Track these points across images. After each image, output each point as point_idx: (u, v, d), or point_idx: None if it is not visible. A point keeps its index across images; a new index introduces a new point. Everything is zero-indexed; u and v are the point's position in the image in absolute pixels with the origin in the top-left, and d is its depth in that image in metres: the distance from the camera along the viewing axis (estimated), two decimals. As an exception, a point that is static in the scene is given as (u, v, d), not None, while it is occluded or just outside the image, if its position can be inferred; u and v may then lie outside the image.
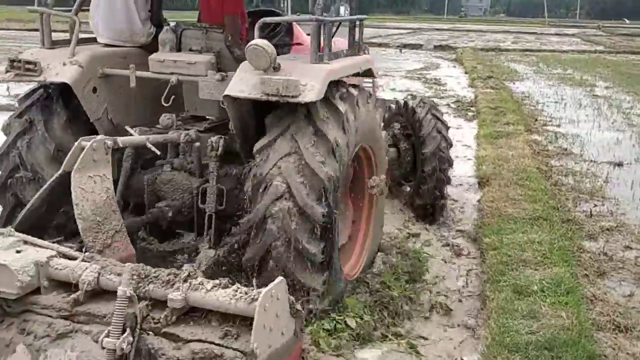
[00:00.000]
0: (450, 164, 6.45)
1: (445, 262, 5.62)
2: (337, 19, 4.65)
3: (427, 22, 58.64)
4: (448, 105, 14.10)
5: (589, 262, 5.54)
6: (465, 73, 20.48)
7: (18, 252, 3.24)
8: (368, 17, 4.90)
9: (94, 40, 5.01)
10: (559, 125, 11.80)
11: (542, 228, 6.01)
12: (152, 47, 4.95)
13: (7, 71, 4.56)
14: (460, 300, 4.95)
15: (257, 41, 3.93)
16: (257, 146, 4.03)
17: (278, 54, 4.08)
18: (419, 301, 4.79)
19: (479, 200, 7.15)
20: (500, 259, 5.28)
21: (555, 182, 7.93)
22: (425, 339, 4.35)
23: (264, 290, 2.75)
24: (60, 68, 4.48)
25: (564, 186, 7.81)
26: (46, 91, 4.62)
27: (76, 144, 3.77)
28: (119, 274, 3.02)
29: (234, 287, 2.90)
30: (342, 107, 4.11)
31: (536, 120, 12.16)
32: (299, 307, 2.97)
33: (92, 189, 3.71)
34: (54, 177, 3.85)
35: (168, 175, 4.61)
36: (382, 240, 5.42)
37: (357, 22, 4.77)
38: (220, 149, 4.43)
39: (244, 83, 3.95)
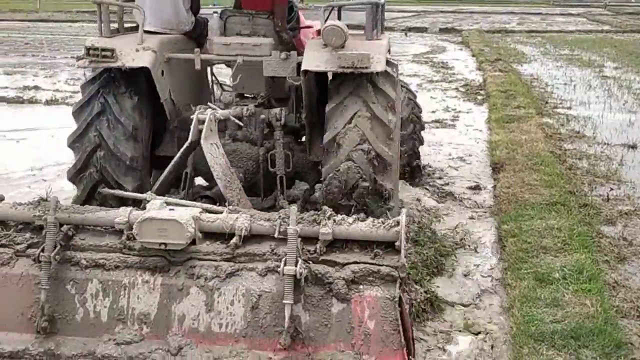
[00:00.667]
0: (422, 127, 7.18)
1: (464, 249, 5.57)
2: (384, 1, 5.24)
3: (431, 5, 58.06)
4: (457, 89, 14.03)
5: (608, 248, 5.49)
6: (473, 56, 20.33)
7: (171, 210, 3.70)
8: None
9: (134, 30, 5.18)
10: (569, 108, 11.71)
11: (560, 214, 5.97)
12: (193, 33, 5.52)
13: (79, 59, 4.83)
14: (481, 290, 4.91)
15: (335, 22, 4.68)
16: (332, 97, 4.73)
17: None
18: (437, 292, 4.76)
19: (494, 186, 7.11)
20: (520, 246, 5.26)
21: (569, 166, 7.87)
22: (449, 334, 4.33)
23: (402, 217, 3.46)
24: (135, 54, 4.77)
25: (579, 170, 7.75)
26: (112, 76, 4.88)
27: (194, 117, 4.48)
28: (268, 220, 3.63)
29: (369, 219, 3.57)
30: (394, 73, 4.87)
31: (546, 102, 12.07)
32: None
33: (216, 155, 4.39)
34: (185, 146, 4.55)
35: (232, 146, 5.12)
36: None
37: (381, 6, 5.27)
38: (283, 119, 5.08)
39: (317, 59, 4.59)
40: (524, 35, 28.20)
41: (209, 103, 4.82)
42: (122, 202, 4.35)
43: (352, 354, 3.42)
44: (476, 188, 7.22)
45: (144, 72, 4.79)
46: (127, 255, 3.63)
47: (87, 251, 3.67)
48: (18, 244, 3.68)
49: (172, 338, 3.51)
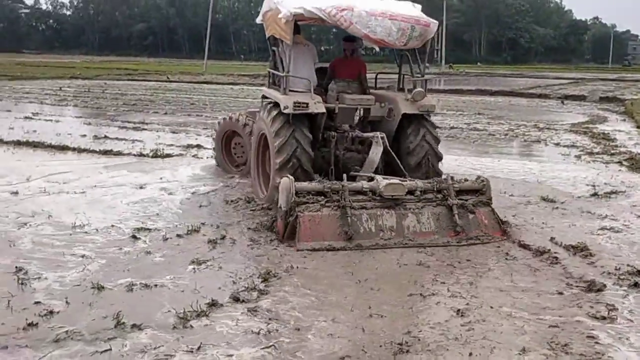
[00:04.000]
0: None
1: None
2: (427, 78, 8.97)
3: (590, 72, 55.97)
4: (620, 162, 13.17)
5: None
6: (638, 127, 19.15)
7: (371, 179, 7.77)
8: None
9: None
10: None
11: None
12: (316, 91, 8.82)
13: (285, 107, 8.10)
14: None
15: (419, 89, 8.70)
16: (410, 129, 8.84)
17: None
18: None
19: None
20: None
21: None
22: None
23: (486, 178, 8.05)
24: (315, 105, 8.22)
25: None
26: (294, 120, 8.22)
27: (378, 137, 8.40)
28: (429, 182, 7.85)
29: (469, 179, 8.14)
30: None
31: None
32: None
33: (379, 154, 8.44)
34: (380, 153, 8.37)
35: (347, 154, 8.82)
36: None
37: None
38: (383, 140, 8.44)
39: (408, 107, 8.67)
40: (696, 106, 26.18)
41: (343, 128, 8.97)
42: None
43: (482, 233, 7.51)
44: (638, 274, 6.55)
45: (306, 115, 8.26)
46: (375, 202, 7.45)
47: (354, 202, 7.38)
48: (319, 201, 7.34)
49: (406, 235, 7.31)
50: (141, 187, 10.01)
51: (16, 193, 9.37)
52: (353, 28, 7.89)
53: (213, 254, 6.83)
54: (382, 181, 7.54)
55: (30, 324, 4.99)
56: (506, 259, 6.91)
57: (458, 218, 7.46)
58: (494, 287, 6.07)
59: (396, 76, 9.65)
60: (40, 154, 12.94)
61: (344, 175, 7.67)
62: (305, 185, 7.50)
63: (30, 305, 5.37)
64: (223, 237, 7.38)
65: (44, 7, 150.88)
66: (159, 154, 13.00)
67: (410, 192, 7.62)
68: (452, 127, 18.80)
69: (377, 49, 8.81)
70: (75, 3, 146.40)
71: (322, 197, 7.39)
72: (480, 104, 28.72)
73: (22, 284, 5.86)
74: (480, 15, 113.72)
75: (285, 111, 8.08)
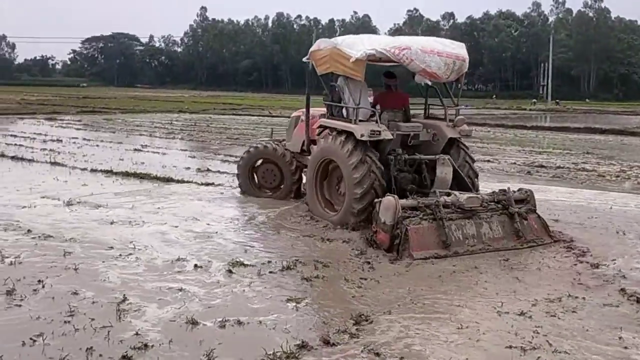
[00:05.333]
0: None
1: None
2: (460, 107, 10.45)
3: None
4: None
5: None
6: None
7: (448, 195, 8.98)
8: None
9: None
10: None
11: None
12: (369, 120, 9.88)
13: (362, 135, 9.25)
14: None
15: (462, 116, 10.23)
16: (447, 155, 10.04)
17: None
18: None
19: None
20: None
21: None
22: None
23: (529, 189, 9.79)
24: (385, 132, 9.49)
25: None
26: (365, 142, 9.39)
27: (446, 159, 9.71)
28: (491, 195, 9.40)
29: (518, 191, 9.61)
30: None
31: None
32: None
33: (449, 174, 9.79)
34: (451, 171, 9.76)
35: (400, 174, 9.79)
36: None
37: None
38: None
39: (451, 132, 10.05)
40: None
41: (405, 153, 10.00)
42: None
43: (535, 236, 8.95)
44: None
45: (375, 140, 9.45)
46: (459, 213, 8.66)
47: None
48: (418, 215, 8.45)
49: (484, 241, 8.59)
50: (237, 220, 10.18)
51: (112, 223, 9.77)
52: (413, 64, 9.23)
53: (307, 293, 6.81)
54: (461, 195, 8.87)
55: (125, 357, 5.10)
56: (615, 312, 6.46)
57: (519, 224, 8.86)
58: (602, 342, 5.66)
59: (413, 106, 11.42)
60: (145, 185, 13.45)
61: (437, 192, 9.06)
62: (403, 201, 8.60)
63: (127, 338, 5.49)
64: (317, 276, 7.33)
65: (157, 44, 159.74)
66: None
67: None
68: (558, 167, 18.08)
69: (429, 83, 10.12)
70: (186, 40, 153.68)
71: (417, 212, 8.50)
72: (589, 142, 27.55)
73: (121, 315, 6.02)
74: (589, 50, 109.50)
75: (363, 138, 9.26)
